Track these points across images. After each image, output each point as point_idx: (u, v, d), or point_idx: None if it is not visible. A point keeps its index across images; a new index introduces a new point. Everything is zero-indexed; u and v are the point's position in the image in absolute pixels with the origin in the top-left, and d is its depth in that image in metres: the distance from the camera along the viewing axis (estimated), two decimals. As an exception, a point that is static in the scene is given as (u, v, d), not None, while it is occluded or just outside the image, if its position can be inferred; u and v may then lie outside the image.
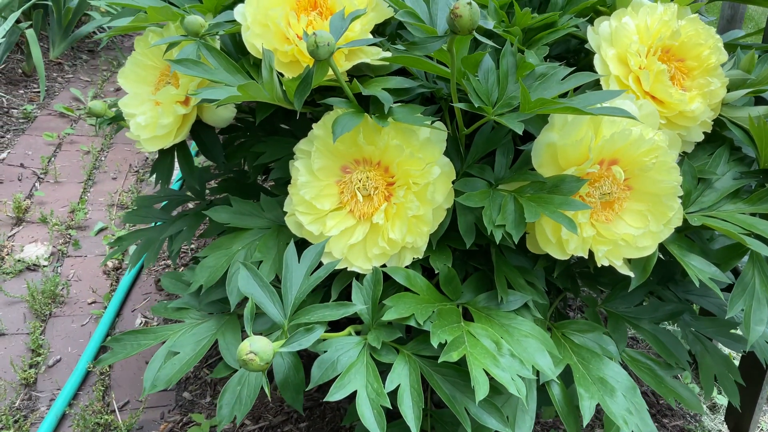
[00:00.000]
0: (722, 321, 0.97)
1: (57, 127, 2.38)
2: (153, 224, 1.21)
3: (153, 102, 0.95)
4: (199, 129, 0.98)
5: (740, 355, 1.26)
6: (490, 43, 0.70)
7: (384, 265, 0.79)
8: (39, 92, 2.62)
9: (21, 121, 2.40)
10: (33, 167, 2.09)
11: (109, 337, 1.42)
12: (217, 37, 0.89)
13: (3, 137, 2.26)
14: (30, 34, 2.48)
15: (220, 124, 0.96)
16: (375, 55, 0.83)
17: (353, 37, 0.79)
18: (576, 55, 1.05)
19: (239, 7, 0.83)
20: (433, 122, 0.78)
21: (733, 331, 0.96)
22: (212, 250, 0.90)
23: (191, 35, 0.85)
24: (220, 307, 0.92)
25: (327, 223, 0.79)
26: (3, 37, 2.09)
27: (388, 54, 0.83)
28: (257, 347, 0.62)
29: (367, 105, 0.81)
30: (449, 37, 0.67)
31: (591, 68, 1.04)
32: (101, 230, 1.82)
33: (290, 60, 0.83)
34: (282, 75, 0.83)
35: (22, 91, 2.64)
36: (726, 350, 1.28)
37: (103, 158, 2.22)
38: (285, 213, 0.86)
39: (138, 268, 1.64)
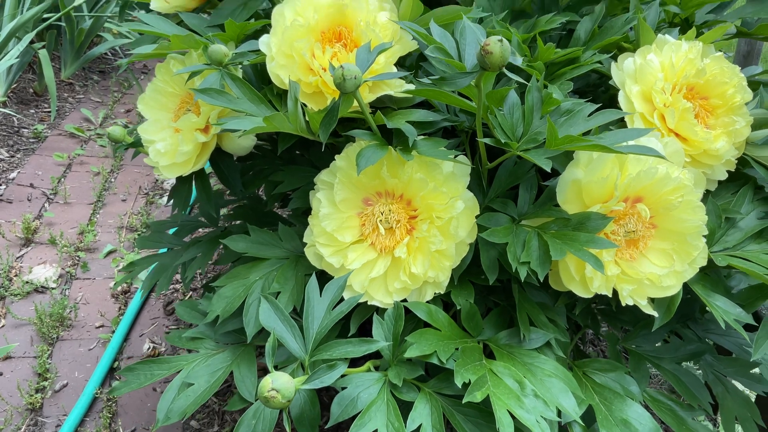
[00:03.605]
0: (742, 361, 0.96)
1: (67, 147, 2.38)
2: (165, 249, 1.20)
3: (173, 129, 0.95)
4: (218, 157, 0.97)
5: (755, 394, 1.24)
6: (518, 78, 0.70)
7: (404, 300, 0.78)
8: (50, 112, 2.63)
9: (31, 140, 2.40)
10: (43, 187, 2.09)
11: (123, 366, 1.41)
12: (239, 66, 0.89)
13: (13, 156, 2.27)
14: (43, 54, 2.49)
15: (240, 152, 0.96)
16: (398, 88, 0.83)
17: (378, 69, 0.79)
18: (596, 89, 1.05)
19: (264, 38, 0.83)
20: (455, 156, 0.78)
21: (753, 371, 0.95)
22: (229, 280, 0.89)
23: (215, 64, 0.85)
24: (236, 337, 0.91)
25: (348, 256, 0.78)
26: (17, 58, 2.10)
27: (411, 86, 0.83)
28: (279, 384, 0.61)
29: (389, 137, 0.81)
30: (478, 73, 0.67)
31: (612, 103, 1.04)
32: (110, 253, 1.81)
33: (313, 91, 0.83)
34: (305, 105, 0.82)
35: (33, 111, 2.65)
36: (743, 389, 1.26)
37: (113, 180, 2.22)
38: (303, 243, 0.85)
39: (148, 293, 1.63)
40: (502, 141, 0.73)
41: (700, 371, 0.97)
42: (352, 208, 0.80)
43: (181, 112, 0.97)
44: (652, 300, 0.81)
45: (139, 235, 1.91)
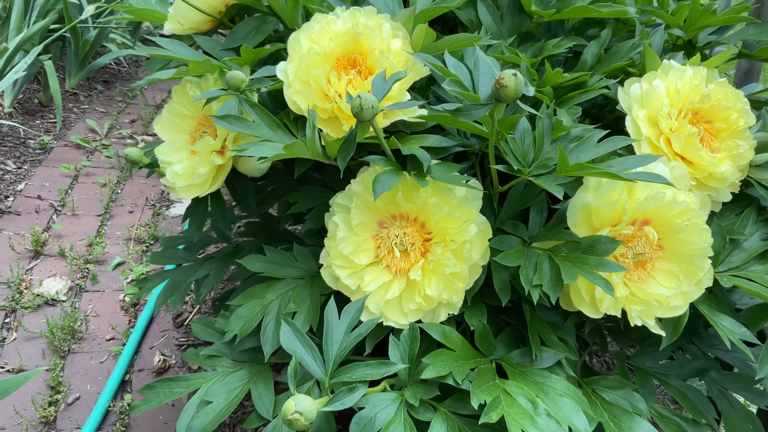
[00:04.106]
0: (745, 376, 0.98)
1: (73, 158, 2.40)
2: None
3: (189, 150, 0.97)
4: (234, 178, 1.00)
5: (755, 408, 1.26)
6: (530, 109, 0.72)
7: (419, 321, 0.81)
8: (55, 122, 2.65)
9: (38, 151, 2.42)
10: (50, 199, 2.11)
11: (135, 379, 1.43)
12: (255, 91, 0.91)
13: (20, 168, 2.29)
14: (48, 65, 2.51)
15: (255, 174, 0.98)
16: (412, 113, 0.85)
17: (393, 96, 0.82)
18: (601, 109, 1.07)
19: (281, 65, 0.86)
20: (467, 181, 0.80)
21: (756, 386, 0.97)
22: (246, 299, 0.91)
23: (232, 89, 0.87)
24: (252, 355, 0.93)
25: (364, 278, 0.80)
26: (24, 71, 2.12)
27: (424, 111, 0.85)
28: (302, 407, 0.63)
29: (403, 161, 0.83)
30: (493, 104, 0.69)
31: (617, 123, 1.07)
32: (119, 265, 1.83)
33: (329, 116, 0.85)
34: (320, 130, 0.85)
35: (38, 122, 2.67)
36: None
37: (119, 191, 2.24)
38: (319, 264, 0.88)
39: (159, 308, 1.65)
40: (515, 168, 0.75)
41: (703, 383, 0.99)
42: (367, 231, 0.83)
43: (197, 134, 0.99)
44: (659, 319, 0.84)
45: (147, 246, 1.93)
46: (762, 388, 0.97)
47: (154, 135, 2.71)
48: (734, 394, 0.98)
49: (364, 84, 0.83)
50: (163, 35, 1.15)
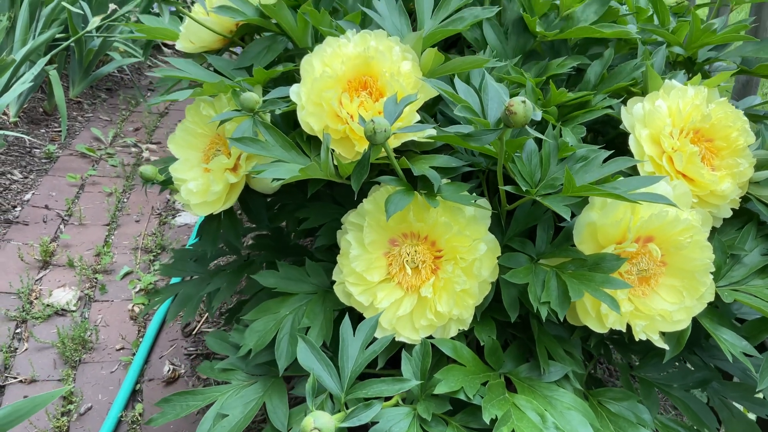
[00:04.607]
0: (746, 386, 1.00)
1: (79, 167, 2.43)
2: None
3: (203, 168, 1.00)
4: (246, 195, 1.02)
5: (754, 416, 1.29)
6: (536, 134, 0.75)
7: (430, 336, 0.83)
8: (60, 131, 2.67)
9: (44, 161, 2.45)
10: (57, 209, 2.14)
11: (145, 389, 1.46)
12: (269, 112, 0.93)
13: (27, 178, 2.31)
14: (53, 75, 2.54)
15: (268, 191, 1.00)
16: (422, 134, 0.87)
17: (404, 119, 0.84)
18: (604, 125, 1.10)
19: (294, 87, 0.88)
20: (475, 200, 0.82)
21: (756, 395, 1.00)
22: (260, 314, 0.93)
23: (246, 111, 0.90)
24: (266, 368, 0.95)
25: (377, 295, 0.83)
26: (31, 82, 2.15)
27: (433, 131, 0.87)
28: (321, 423, 0.65)
29: (413, 179, 0.86)
30: (502, 130, 0.72)
31: (619, 138, 1.09)
32: (127, 274, 1.85)
33: (341, 137, 0.87)
34: (332, 150, 0.87)
35: (43, 131, 2.69)
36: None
37: (125, 200, 2.26)
38: (329, 277, 0.90)
39: (164, 314, 1.67)
40: (523, 189, 0.78)
41: (704, 392, 1.02)
42: (379, 248, 0.85)
43: (211, 152, 1.01)
44: (662, 333, 0.86)
45: (154, 256, 1.95)
46: (762, 397, 1.00)
47: (159, 143, 2.74)
48: (735, 403, 1.01)
49: (375, 106, 0.86)
50: (165, 44, 1.18)
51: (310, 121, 0.87)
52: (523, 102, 0.68)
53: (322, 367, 0.74)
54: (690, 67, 1.11)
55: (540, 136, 0.76)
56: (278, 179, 0.78)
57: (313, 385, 0.71)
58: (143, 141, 2.74)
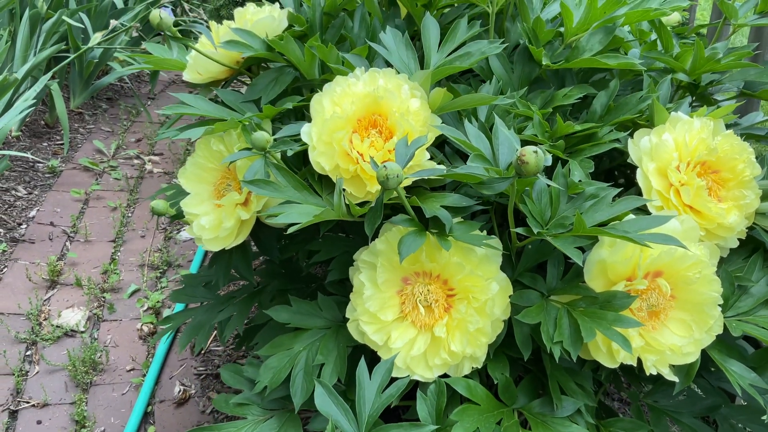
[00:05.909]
0: (752, 409, 1.02)
1: (83, 182, 2.43)
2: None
3: (214, 203, 1.01)
4: (257, 228, 1.03)
5: None
6: (547, 181, 0.76)
7: (444, 375, 0.84)
8: (62, 144, 2.68)
9: (47, 176, 2.45)
10: (63, 225, 2.15)
11: (157, 411, 1.46)
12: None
13: (31, 193, 2.32)
14: (55, 88, 2.54)
15: (279, 226, 1.01)
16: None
17: (416, 164, 0.85)
18: (611, 151, 1.11)
19: (305, 128, 0.89)
20: (486, 240, 0.84)
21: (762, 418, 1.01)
22: (274, 350, 0.94)
23: (257, 150, 0.91)
24: (281, 403, 0.96)
25: (392, 335, 0.84)
26: (34, 99, 2.15)
27: (443, 168, 0.88)
28: (342, 471, 0.67)
29: (424, 216, 0.87)
30: (513, 178, 0.73)
31: (624, 169, 1.10)
32: (134, 292, 1.86)
33: (352, 176, 0.88)
34: (343, 189, 0.88)
35: (45, 144, 2.70)
36: None
37: (130, 214, 2.27)
38: (341, 312, 0.91)
39: (173, 333, 1.68)
40: (535, 231, 0.79)
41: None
42: (392, 287, 0.86)
43: (221, 186, 1.02)
44: (672, 366, 0.88)
45: (160, 272, 1.96)
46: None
47: (161, 154, 2.74)
48: (740, 425, 1.02)
49: (385, 145, 0.87)
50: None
51: (321, 160, 0.88)
52: (535, 152, 0.69)
53: (339, 412, 0.75)
54: (693, 90, 1.12)
55: (551, 183, 0.77)
56: (295, 227, 0.79)
57: (332, 431, 0.72)
58: (146, 152, 2.74)
